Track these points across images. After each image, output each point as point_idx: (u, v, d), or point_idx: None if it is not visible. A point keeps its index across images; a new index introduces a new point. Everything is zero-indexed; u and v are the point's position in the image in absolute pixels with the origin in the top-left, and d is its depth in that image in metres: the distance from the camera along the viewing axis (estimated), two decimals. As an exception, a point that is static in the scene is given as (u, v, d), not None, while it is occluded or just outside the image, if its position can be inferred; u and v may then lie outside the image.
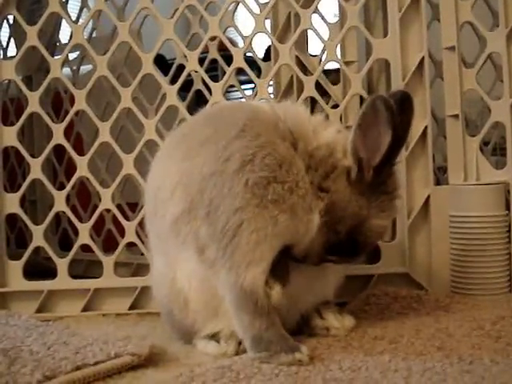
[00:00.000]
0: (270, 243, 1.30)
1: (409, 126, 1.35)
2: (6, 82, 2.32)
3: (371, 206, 1.34)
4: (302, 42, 2.09)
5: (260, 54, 2.72)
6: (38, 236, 1.96)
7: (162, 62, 2.83)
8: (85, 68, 2.60)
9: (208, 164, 1.33)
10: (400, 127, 1.28)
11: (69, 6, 2.47)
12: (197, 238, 1.35)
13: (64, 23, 2.33)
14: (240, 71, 2.03)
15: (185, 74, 2.00)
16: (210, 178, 1.32)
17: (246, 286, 1.29)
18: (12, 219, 2.08)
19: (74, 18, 2.27)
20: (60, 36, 2.67)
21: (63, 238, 2.55)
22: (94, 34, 2.50)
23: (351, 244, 1.36)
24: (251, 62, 2.17)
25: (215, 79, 2.00)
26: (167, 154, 1.48)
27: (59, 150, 2.10)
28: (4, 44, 2.65)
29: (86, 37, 2.13)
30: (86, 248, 1.99)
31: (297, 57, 2.04)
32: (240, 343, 1.36)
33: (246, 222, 1.28)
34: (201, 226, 1.33)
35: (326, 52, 1.96)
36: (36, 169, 1.97)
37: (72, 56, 2.56)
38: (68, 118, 1.99)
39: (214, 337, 1.40)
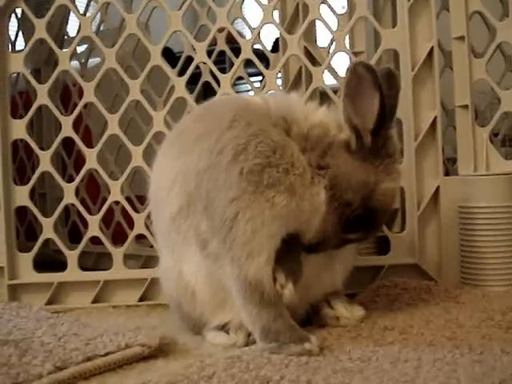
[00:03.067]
0: (269, 229, 1.28)
1: (397, 99, 1.37)
2: (15, 75, 2.33)
3: (377, 170, 1.34)
4: (311, 33, 2.08)
5: (268, 45, 2.71)
6: (48, 228, 1.97)
7: (169, 55, 2.83)
8: (93, 61, 2.61)
9: (202, 159, 1.33)
10: (389, 100, 1.30)
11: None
12: (198, 234, 1.35)
13: (72, 16, 2.33)
14: (248, 63, 2.03)
15: (193, 65, 2.00)
16: (205, 172, 1.32)
17: (250, 278, 1.28)
18: (21, 212, 2.09)
19: (81, 11, 2.27)
20: (68, 29, 2.68)
21: (72, 230, 2.56)
22: (101, 27, 2.51)
23: (368, 215, 1.35)
24: (259, 54, 2.17)
25: (223, 71, 2.00)
26: (165, 153, 1.50)
27: (68, 142, 2.10)
28: (12, 37, 2.65)
29: (94, 29, 2.13)
30: (95, 240, 2.00)
31: (305, 48, 2.03)
32: (249, 334, 1.36)
33: (242, 211, 1.27)
34: (200, 220, 1.34)
35: (334, 43, 1.95)
36: (45, 161, 1.97)
37: (80, 49, 2.57)
38: (77, 111, 2.00)
39: (224, 328, 1.41)
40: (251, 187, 1.27)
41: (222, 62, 3.09)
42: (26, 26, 2.51)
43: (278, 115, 1.36)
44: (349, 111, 1.32)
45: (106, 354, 1.29)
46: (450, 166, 2.26)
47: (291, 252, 1.34)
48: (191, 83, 2.06)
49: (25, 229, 2.62)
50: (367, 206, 1.34)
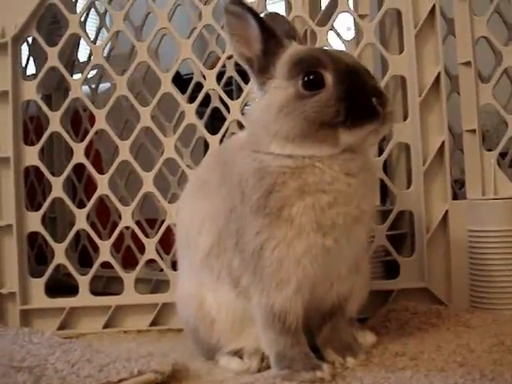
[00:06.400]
0: (295, 254, 1.28)
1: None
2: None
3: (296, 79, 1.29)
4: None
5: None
6: (60, 254, 1.98)
7: (177, 78, 2.85)
8: (103, 86, 2.63)
9: (227, 201, 1.36)
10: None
11: (87, 24, 2.50)
12: (230, 271, 1.37)
13: (82, 41, 2.36)
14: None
15: (203, 92, 2.02)
16: (231, 213, 1.35)
17: (276, 308, 1.30)
18: (32, 236, 2.10)
19: (92, 37, 2.30)
20: (78, 53, 2.71)
21: (82, 254, 2.57)
22: (112, 52, 2.53)
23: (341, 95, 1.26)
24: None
25: (230, 94, 2.01)
26: (191, 195, 1.52)
27: (78, 167, 2.12)
28: (23, 62, 2.68)
29: (104, 55, 2.16)
30: (105, 264, 2.01)
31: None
32: (263, 360, 1.37)
33: (267, 241, 1.29)
34: (232, 257, 1.36)
35: (342, 68, 1.96)
36: (57, 187, 1.99)
37: (91, 73, 2.59)
38: (88, 138, 2.02)
39: (237, 353, 1.42)
40: (267, 219, 1.28)
41: (229, 85, 3.10)
42: (36, 52, 2.54)
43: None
44: (238, 48, 1.34)
45: (120, 381, 1.29)
46: (457, 188, 2.27)
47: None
48: (200, 105, 2.07)
49: (35, 253, 2.63)
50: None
